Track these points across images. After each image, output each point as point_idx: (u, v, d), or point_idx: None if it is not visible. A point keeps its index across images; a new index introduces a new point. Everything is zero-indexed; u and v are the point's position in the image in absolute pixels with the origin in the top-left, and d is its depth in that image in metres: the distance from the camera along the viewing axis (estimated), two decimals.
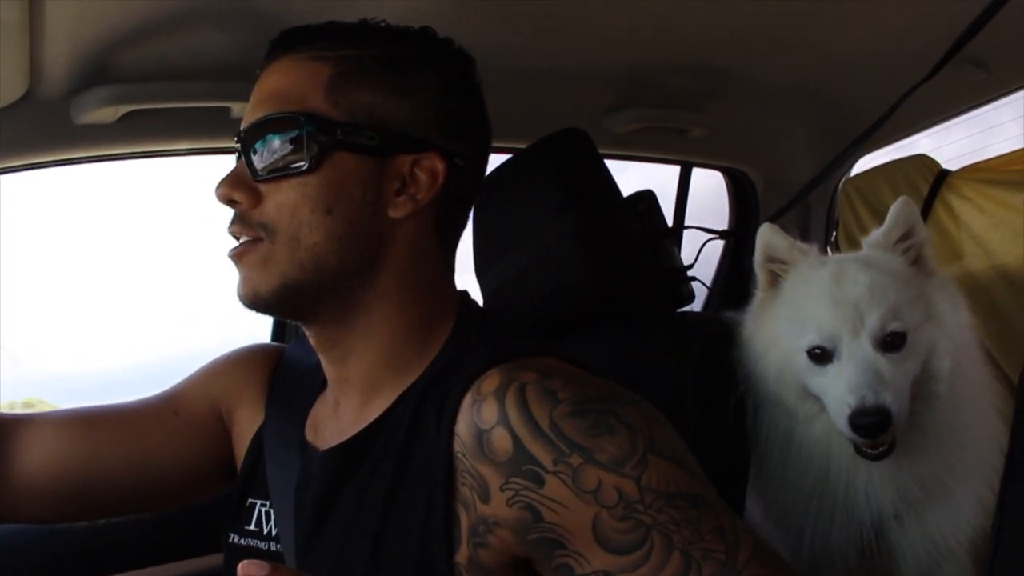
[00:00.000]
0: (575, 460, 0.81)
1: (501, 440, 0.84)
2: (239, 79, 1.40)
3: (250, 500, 1.08)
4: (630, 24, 1.54)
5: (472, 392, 0.87)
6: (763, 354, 1.33)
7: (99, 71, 1.33)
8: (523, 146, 1.46)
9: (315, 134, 0.92)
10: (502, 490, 0.84)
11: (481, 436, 0.85)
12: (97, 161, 1.43)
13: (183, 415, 1.12)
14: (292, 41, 0.98)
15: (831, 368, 1.24)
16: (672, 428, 0.88)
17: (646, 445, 0.83)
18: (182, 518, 1.51)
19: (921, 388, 1.25)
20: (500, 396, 0.85)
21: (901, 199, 1.32)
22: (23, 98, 1.31)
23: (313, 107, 0.94)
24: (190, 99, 1.40)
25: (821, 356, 1.25)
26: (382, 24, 1.00)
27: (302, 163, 0.92)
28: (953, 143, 3.34)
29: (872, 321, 1.22)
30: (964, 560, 1.28)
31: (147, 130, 1.43)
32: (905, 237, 1.29)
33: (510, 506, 0.83)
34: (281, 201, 0.93)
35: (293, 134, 0.93)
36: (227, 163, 1.02)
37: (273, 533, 1.04)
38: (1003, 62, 1.81)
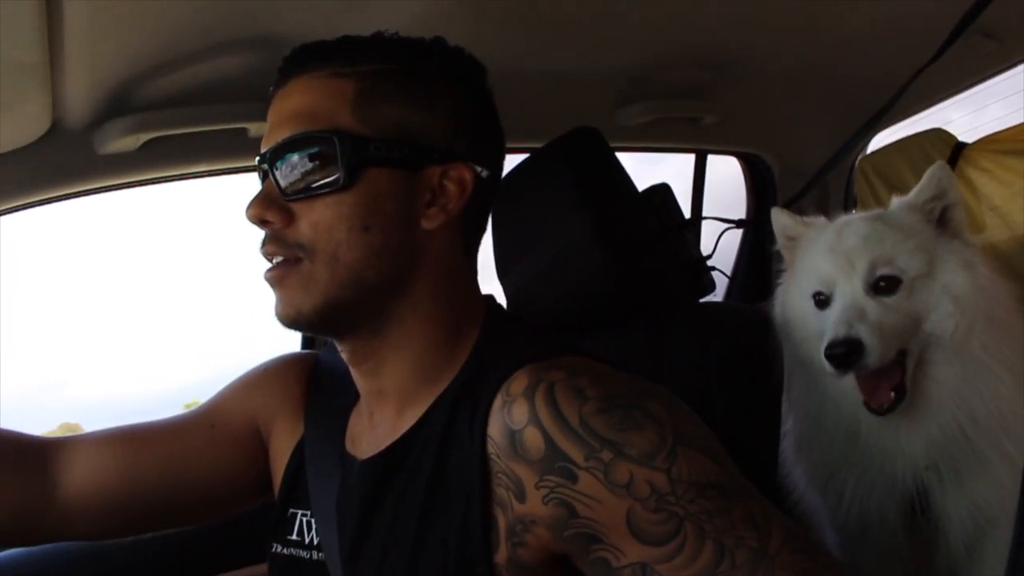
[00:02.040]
0: (606, 455, 0.83)
1: (533, 439, 0.85)
2: (254, 100, 1.42)
3: (291, 510, 1.10)
4: (634, 19, 1.54)
5: (502, 394, 0.88)
6: (787, 317, 1.37)
7: (119, 102, 1.36)
8: (537, 145, 1.48)
9: (347, 151, 0.92)
10: (537, 488, 0.85)
11: (513, 436, 0.86)
12: (121, 188, 1.47)
13: (219, 429, 1.13)
14: (309, 59, 0.98)
15: (828, 310, 1.29)
16: (699, 419, 0.90)
17: (674, 437, 0.84)
18: (223, 529, 1.54)
19: (928, 344, 1.27)
20: (530, 396, 0.86)
21: (937, 163, 1.35)
22: (47, 133, 1.34)
23: (342, 124, 0.94)
24: (208, 123, 1.43)
25: (823, 301, 1.30)
26: (396, 36, 1.01)
27: (337, 181, 0.92)
28: (993, 121, 3.29)
29: (862, 264, 1.27)
30: (1008, 527, 1.28)
31: (168, 155, 1.46)
32: (935, 199, 1.32)
33: (545, 504, 0.85)
34: (317, 220, 0.93)
35: (325, 152, 0.93)
36: (244, 182, 1.03)
37: (315, 542, 1.06)
38: (1013, 31, 1.80)
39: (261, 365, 1.20)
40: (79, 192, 1.43)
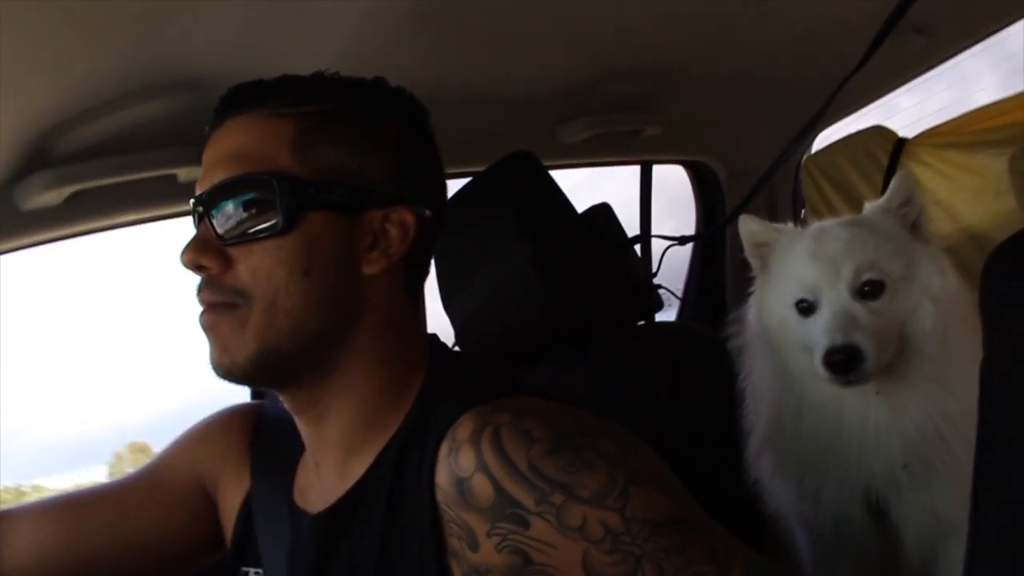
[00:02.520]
0: (557, 499, 0.81)
1: (481, 486, 0.83)
2: (182, 144, 1.39)
3: (243, 568, 1.07)
4: (569, 36, 1.53)
5: (448, 441, 0.86)
6: (765, 325, 1.37)
7: (39, 155, 1.31)
8: (477, 169, 1.46)
9: (286, 194, 0.90)
10: (489, 536, 0.83)
11: (461, 484, 0.84)
12: (46, 244, 1.42)
13: (165, 490, 1.10)
14: (247, 99, 0.96)
15: (814, 318, 1.29)
16: (652, 452, 0.88)
17: (626, 476, 0.82)
18: None
19: (908, 345, 1.28)
20: (475, 441, 0.84)
21: (901, 172, 1.39)
22: None
23: (281, 166, 0.92)
24: (135, 171, 1.38)
25: (807, 308, 1.31)
26: (336, 76, 0.99)
27: (275, 225, 0.90)
28: (937, 95, 3.34)
29: (847, 270, 1.27)
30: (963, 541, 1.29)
31: (95, 207, 1.41)
32: (904, 204, 1.34)
33: (499, 551, 0.83)
34: (255, 265, 0.91)
35: (263, 195, 0.90)
36: (176, 228, 1.00)
37: None
38: (944, 26, 1.81)
39: (204, 420, 1.17)
40: (2, 250, 1.38)
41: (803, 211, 2.23)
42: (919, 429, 1.26)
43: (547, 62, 1.61)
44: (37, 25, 1.06)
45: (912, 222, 1.33)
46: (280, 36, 1.25)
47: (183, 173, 1.42)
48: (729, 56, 1.82)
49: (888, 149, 1.95)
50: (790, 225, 1.42)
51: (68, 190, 1.34)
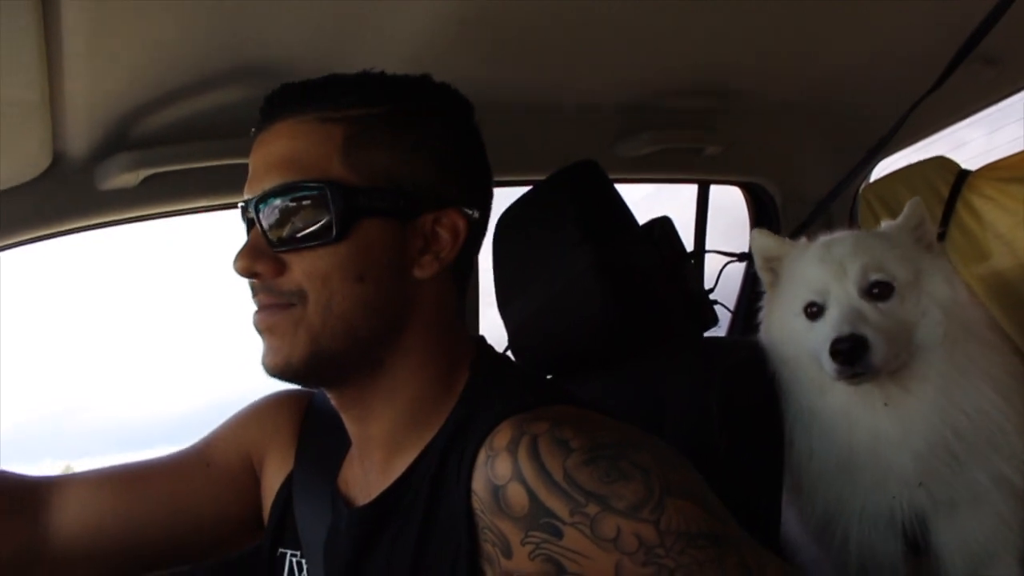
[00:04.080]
0: (592, 509, 0.81)
1: (517, 495, 0.83)
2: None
3: (281, 550, 1.08)
4: (634, 49, 1.55)
5: (486, 448, 0.86)
6: (774, 337, 1.37)
7: (119, 139, 1.36)
8: (538, 178, 1.47)
9: (339, 203, 0.90)
10: (523, 544, 0.83)
11: (497, 492, 0.84)
12: (121, 224, 1.47)
13: (214, 468, 1.12)
14: (294, 101, 0.95)
15: (822, 320, 1.30)
16: (688, 465, 0.88)
17: (662, 487, 0.82)
18: (215, 570, 1.51)
19: (917, 354, 1.28)
20: (513, 450, 0.84)
21: (913, 200, 1.38)
22: (48, 170, 1.34)
23: (333, 174, 0.91)
24: (208, 158, 1.43)
25: (815, 312, 1.31)
26: (382, 76, 0.98)
27: (329, 233, 0.90)
28: (1009, 142, 3.27)
29: (854, 270, 1.28)
30: (1010, 563, 1.27)
31: (168, 191, 1.46)
32: (918, 227, 1.36)
33: (532, 560, 0.83)
34: (309, 270, 0.91)
35: (316, 204, 0.90)
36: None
37: None
38: (1014, 58, 1.79)
39: (256, 401, 1.18)
40: (80, 228, 1.43)
41: None
42: (929, 445, 1.24)
43: (612, 73, 1.63)
44: (122, 10, 1.09)
45: (928, 244, 1.34)
46: (352, 33, 1.28)
47: None
48: (792, 79, 1.82)
49: (950, 181, 1.92)
50: (803, 240, 1.43)
51: (144, 173, 1.39)
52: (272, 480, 1.12)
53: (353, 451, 1.05)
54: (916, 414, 1.26)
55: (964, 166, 1.93)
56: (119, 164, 1.37)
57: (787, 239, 1.44)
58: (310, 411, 1.15)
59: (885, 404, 1.27)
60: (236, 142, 1.43)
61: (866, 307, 1.27)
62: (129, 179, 1.39)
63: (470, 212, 0.97)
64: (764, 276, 1.45)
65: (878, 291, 1.27)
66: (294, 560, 1.06)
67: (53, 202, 1.39)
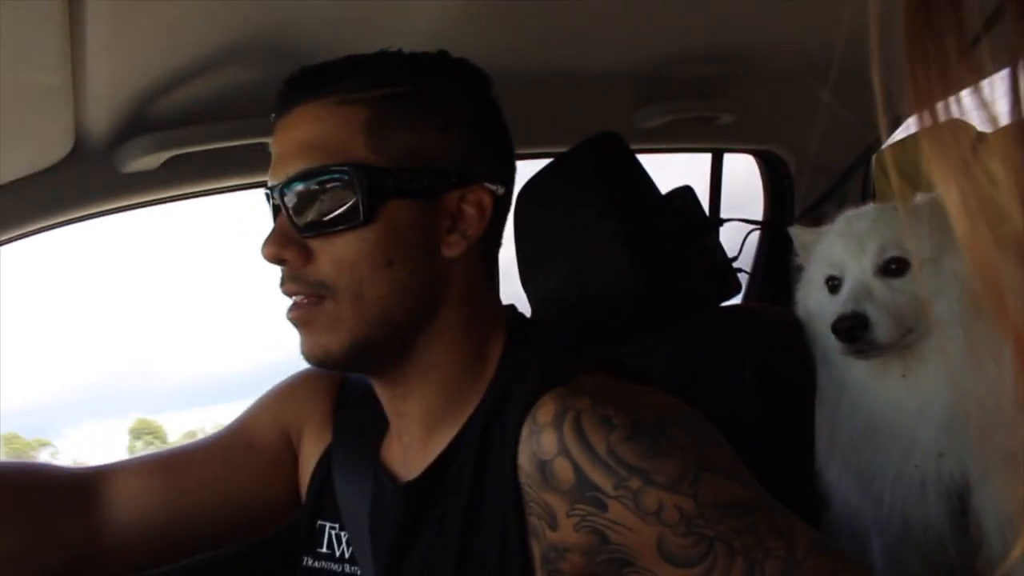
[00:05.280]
0: (635, 484, 0.84)
1: (563, 469, 0.86)
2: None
3: (319, 522, 1.10)
4: (648, 19, 1.53)
5: (529, 423, 0.88)
6: (807, 312, 1.39)
7: (140, 121, 1.36)
8: (556, 150, 1.47)
9: (366, 185, 0.90)
10: (568, 516, 0.86)
11: (543, 467, 0.87)
12: (145, 207, 1.47)
13: (256, 447, 1.13)
14: (314, 84, 0.95)
15: (839, 293, 1.31)
16: (721, 439, 0.91)
17: (697, 462, 0.85)
18: (253, 546, 1.52)
19: (935, 329, 1.29)
20: (557, 426, 0.86)
21: None
22: (70, 154, 1.34)
23: (358, 157, 0.92)
24: (229, 139, 1.42)
25: (835, 286, 1.33)
26: (401, 54, 0.98)
27: (357, 216, 0.90)
28: None
29: (872, 247, 1.29)
30: None
31: (190, 172, 1.46)
32: None
33: (577, 531, 0.86)
34: (338, 257, 0.91)
35: (342, 187, 0.90)
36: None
37: (347, 555, 1.06)
38: None
39: (290, 377, 1.20)
40: (103, 212, 1.43)
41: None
42: (948, 415, 1.26)
43: (627, 42, 1.62)
44: None
45: None
46: (368, 10, 1.27)
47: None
48: (807, 44, 1.80)
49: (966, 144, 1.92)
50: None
51: (166, 155, 1.39)
52: (310, 454, 1.14)
53: (392, 428, 1.06)
54: (934, 385, 1.27)
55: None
56: (140, 147, 1.37)
57: (821, 229, 1.44)
58: (345, 386, 1.16)
59: (903, 376, 1.29)
60: (258, 122, 1.42)
61: (877, 284, 1.27)
62: (150, 161, 1.39)
63: (495, 188, 0.97)
64: (804, 263, 1.47)
65: (894, 267, 1.28)
66: (333, 532, 1.08)
67: (75, 187, 1.39)
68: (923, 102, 0.31)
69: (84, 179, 1.38)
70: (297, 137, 0.94)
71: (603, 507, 0.85)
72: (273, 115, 0.99)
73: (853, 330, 1.22)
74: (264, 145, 1.46)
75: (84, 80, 1.18)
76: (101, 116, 1.30)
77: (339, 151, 0.92)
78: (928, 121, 0.32)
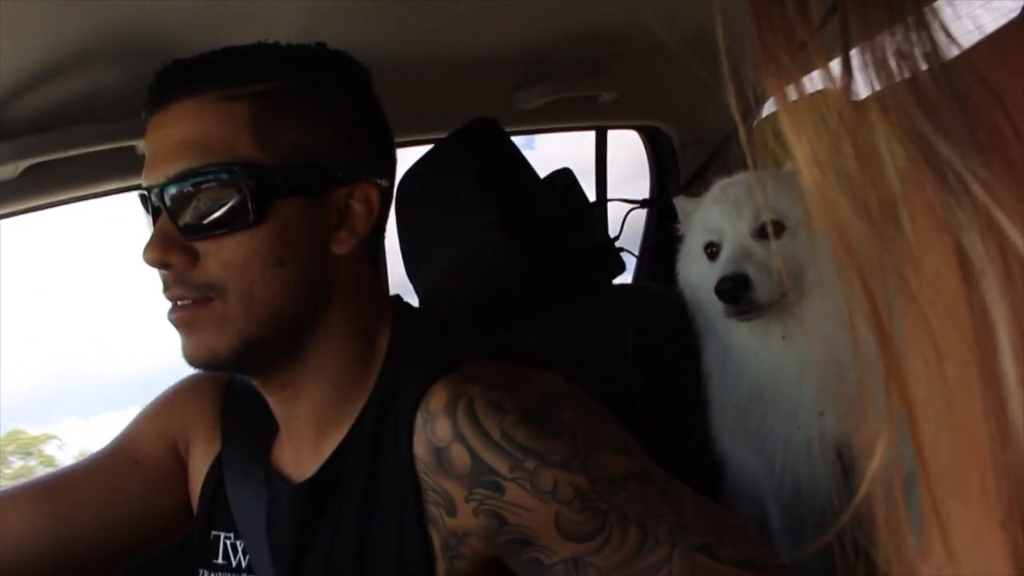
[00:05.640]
0: (530, 464, 0.85)
1: (459, 455, 0.86)
2: (138, 116, 1.37)
3: (214, 533, 1.07)
4: (524, 1, 1.53)
5: (422, 411, 0.88)
6: (688, 281, 1.41)
7: None
8: (438, 136, 1.46)
9: (253, 185, 0.87)
10: (467, 501, 0.86)
11: (439, 453, 0.87)
12: (5, 218, 1.39)
13: (143, 463, 1.09)
14: (191, 79, 0.92)
15: (718, 259, 1.34)
16: (607, 413, 0.93)
17: (587, 439, 0.87)
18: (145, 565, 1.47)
19: (811, 290, 1.31)
20: (451, 413, 0.86)
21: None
22: None
23: (243, 155, 0.89)
24: (92, 143, 1.36)
25: (714, 253, 1.35)
26: (278, 47, 0.95)
27: (246, 217, 0.88)
28: None
29: (748, 211, 1.32)
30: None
31: (52, 181, 1.39)
32: None
33: (476, 516, 0.86)
34: (227, 259, 0.89)
35: (228, 187, 0.87)
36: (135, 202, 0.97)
37: (244, 565, 1.04)
38: None
39: (171, 387, 1.16)
40: None
41: None
42: (825, 374, 1.29)
43: (504, 25, 1.61)
44: None
45: None
46: (238, 5, 1.23)
47: (142, 145, 1.39)
48: (683, 20, 1.81)
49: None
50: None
51: (24, 164, 1.32)
52: (199, 464, 1.11)
53: (282, 430, 1.04)
54: (811, 345, 1.32)
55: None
56: None
57: (702, 199, 1.46)
58: (230, 390, 1.14)
59: (783, 338, 1.32)
60: (122, 125, 1.37)
61: (755, 246, 1.31)
62: (7, 171, 1.32)
63: (380, 182, 0.96)
64: (685, 229, 1.49)
65: (767, 228, 1.32)
66: (228, 542, 1.06)
67: None
68: (774, 71, 0.32)
69: None
70: (175, 136, 0.90)
71: (500, 490, 0.85)
72: (144, 112, 0.94)
73: (736, 291, 1.25)
74: (132, 148, 1.42)
75: None
76: None
77: (223, 150, 0.89)
78: (778, 92, 0.32)
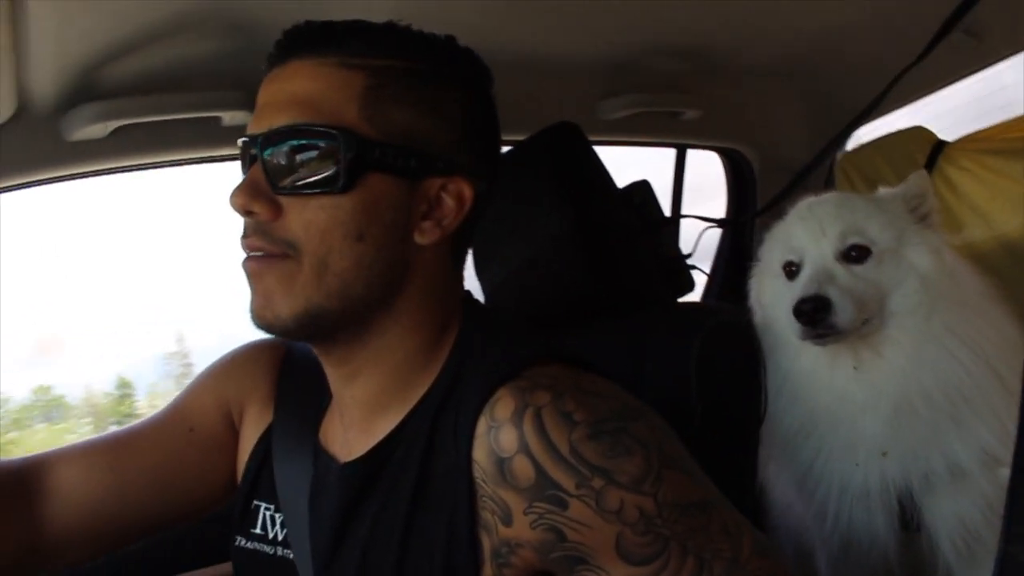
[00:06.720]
0: (597, 483, 0.83)
1: (523, 468, 0.84)
2: (227, 88, 1.40)
3: (255, 503, 1.07)
4: (617, 10, 1.52)
5: (486, 417, 0.86)
6: (760, 299, 1.38)
7: (87, 88, 1.32)
8: (518, 137, 1.46)
9: (351, 153, 0.87)
10: (525, 513, 0.84)
11: (502, 464, 0.85)
12: (90, 176, 1.43)
13: (198, 431, 1.09)
14: (317, 41, 0.91)
15: (797, 279, 1.31)
16: (674, 435, 0.90)
17: (659, 461, 0.85)
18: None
19: (890, 320, 1.28)
20: (517, 423, 0.84)
21: (920, 171, 1.37)
22: (12, 118, 1.30)
23: (348, 122, 0.88)
24: (179, 111, 1.39)
25: (793, 272, 1.32)
26: (409, 30, 0.94)
27: (336, 182, 0.87)
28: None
29: (833, 231, 1.28)
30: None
31: (138, 143, 1.42)
32: (916, 197, 1.34)
33: (533, 528, 0.84)
34: (310, 219, 0.88)
35: (327, 149, 0.87)
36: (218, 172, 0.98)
37: (279, 538, 1.03)
38: (993, 30, 1.79)
39: (229, 353, 1.16)
40: (46, 179, 1.39)
41: None
42: (897, 410, 1.25)
43: (594, 32, 1.61)
44: None
45: (922, 216, 1.33)
46: None
47: (228, 117, 1.42)
48: (772, 44, 1.80)
49: (926, 151, 1.93)
50: None
51: (113, 124, 1.35)
52: (250, 433, 1.11)
53: (334, 405, 1.03)
54: (885, 378, 1.27)
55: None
56: (87, 114, 1.33)
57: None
58: (287, 361, 1.13)
59: (855, 367, 1.28)
60: (211, 95, 1.40)
61: (838, 269, 1.27)
62: (98, 130, 1.35)
63: (478, 182, 0.95)
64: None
65: (856, 254, 1.27)
66: (267, 513, 1.05)
67: (17, 152, 1.34)
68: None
69: (27, 145, 1.34)
70: (288, 90, 0.90)
71: (564, 505, 0.83)
72: (264, 65, 0.94)
73: (815, 312, 1.21)
74: (218, 119, 1.44)
75: (28, 41, 1.14)
76: (46, 80, 1.26)
77: (331, 112, 0.88)
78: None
